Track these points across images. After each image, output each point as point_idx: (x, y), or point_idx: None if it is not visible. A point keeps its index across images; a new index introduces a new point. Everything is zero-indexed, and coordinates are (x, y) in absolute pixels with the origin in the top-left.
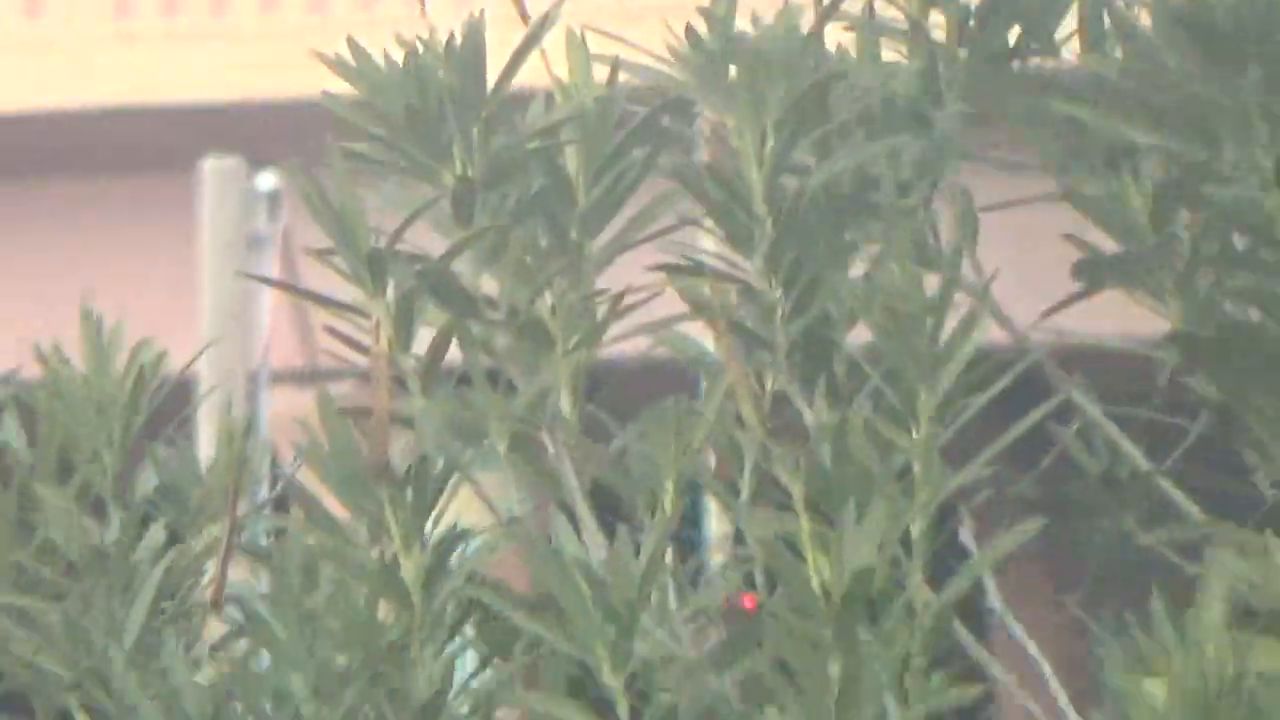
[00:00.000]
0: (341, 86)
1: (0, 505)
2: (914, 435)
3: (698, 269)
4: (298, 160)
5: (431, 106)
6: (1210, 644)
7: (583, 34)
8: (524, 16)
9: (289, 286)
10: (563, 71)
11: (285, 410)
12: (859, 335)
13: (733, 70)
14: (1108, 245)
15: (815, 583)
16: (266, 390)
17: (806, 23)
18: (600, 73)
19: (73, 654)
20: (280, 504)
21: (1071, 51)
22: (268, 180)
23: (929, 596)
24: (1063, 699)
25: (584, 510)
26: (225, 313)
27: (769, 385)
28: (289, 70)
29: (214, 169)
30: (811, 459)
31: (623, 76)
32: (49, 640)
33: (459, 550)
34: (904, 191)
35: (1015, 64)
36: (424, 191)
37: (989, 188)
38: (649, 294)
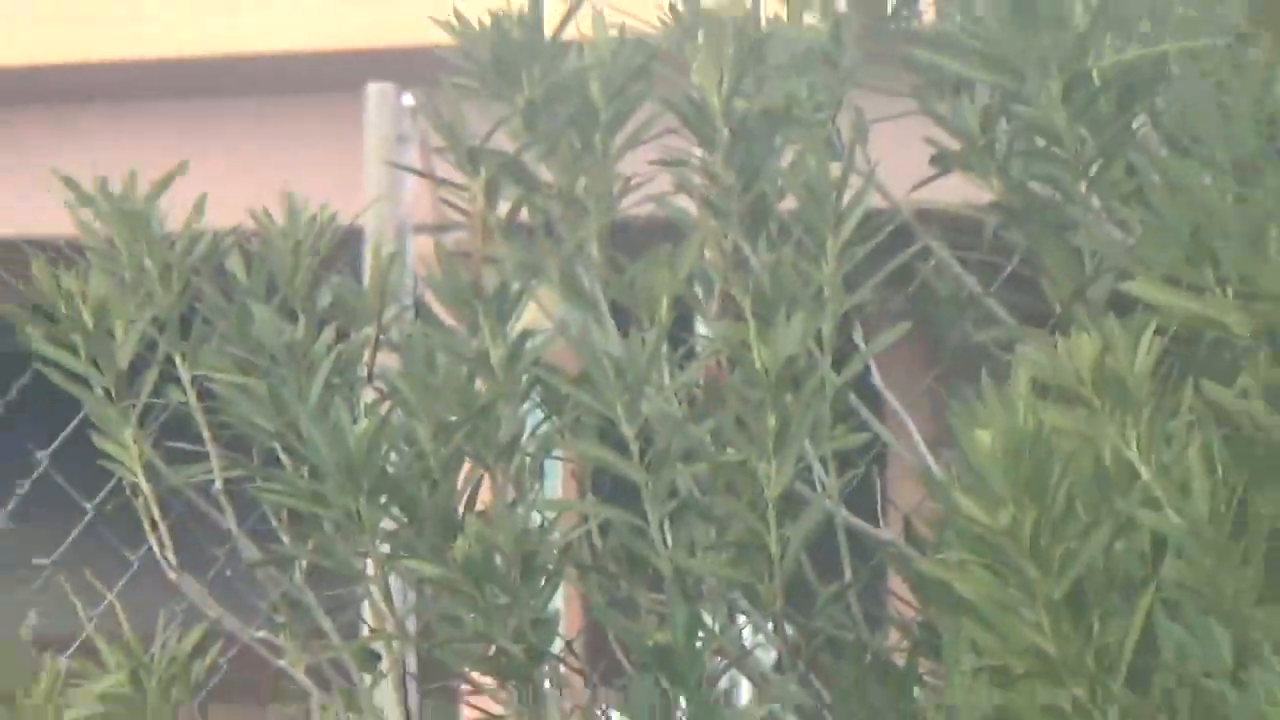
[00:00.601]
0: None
1: (227, 316)
2: (824, 269)
3: (680, 162)
4: (426, 86)
5: (509, 54)
6: (1019, 405)
7: (603, 10)
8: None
9: (422, 171)
10: (589, 30)
11: (419, 251)
12: (787, 205)
13: (700, 33)
14: (953, 145)
15: (759, 365)
16: (408, 237)
17: None
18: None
19: (275, 413)
20: (415, 313)
21: (929, 15)
22: (409, 99)
23: (833, 376)
24: (922, 445)
25: (607, 319)
26: (381, 187)
27: (729, 238)
28: (421, 27)
29: (374, 90)
30: (757, 284)
31: (629, 35)
32: (259, 405)
33: (529, 343)
34: (818, 110)
35: (892, 25)
36: (503, 110)
37: (875, 107)
38: (649, 178)
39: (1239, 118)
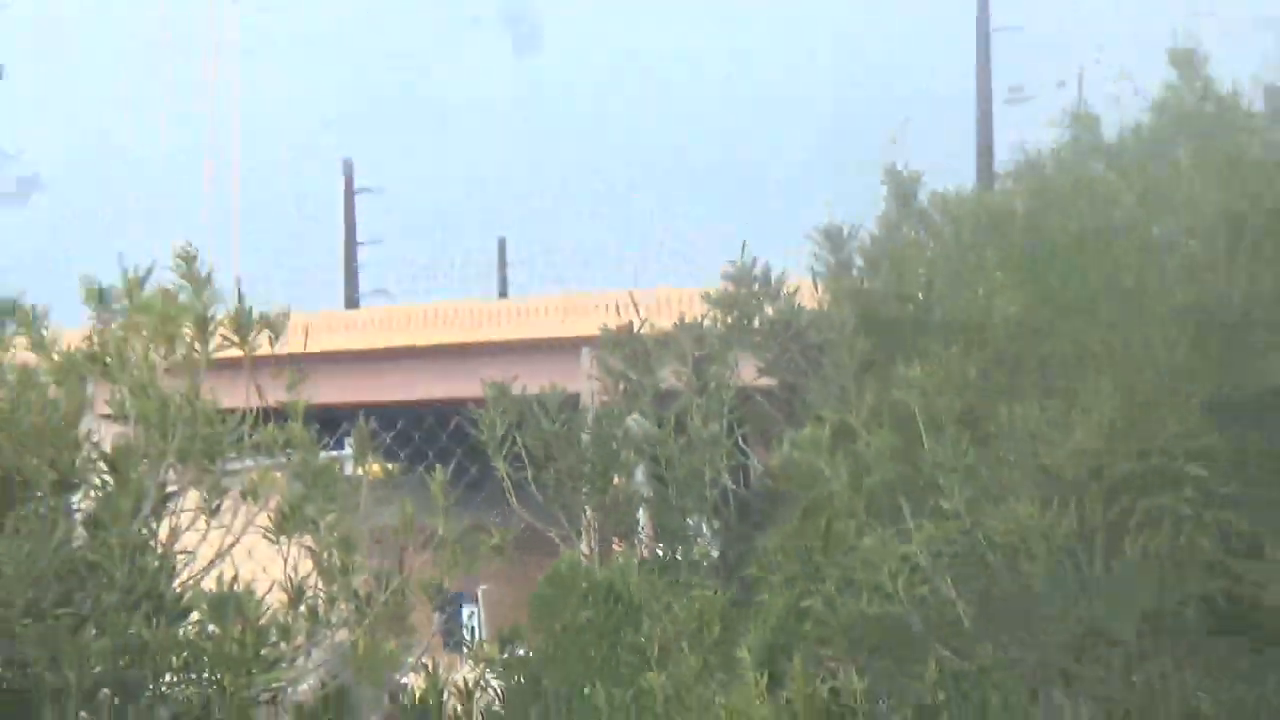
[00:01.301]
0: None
1: (530, 422)
2: (724, 404)
3: (679, 370)
4: (600, 349)
5: (622, 341)
6: (788, 446)
7: (653, 324)
8: (641, 323)
9: (598, 376)
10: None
11: (597, 400)
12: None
13: (682, 331)
14: (762, 364)
15: (704, 434)
16: (595, 398)
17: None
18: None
19: (545, 448)
20: (594, 418)
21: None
22: (593, 352)
23: (726, 441)
24: (758, 462)
25: (655, 422)
26: (586, 381)
27: (694, 398)
28: (597, 327)
29: (585, 350)
30: (702, 410)
31: (661, 333)
32: (539, 446)
33: (631, 428)
34: (722, 357)
35: (748, 327)
36: (620, 359)
37: (741, 355)
38: (667, 378)
39: (849, 354)
